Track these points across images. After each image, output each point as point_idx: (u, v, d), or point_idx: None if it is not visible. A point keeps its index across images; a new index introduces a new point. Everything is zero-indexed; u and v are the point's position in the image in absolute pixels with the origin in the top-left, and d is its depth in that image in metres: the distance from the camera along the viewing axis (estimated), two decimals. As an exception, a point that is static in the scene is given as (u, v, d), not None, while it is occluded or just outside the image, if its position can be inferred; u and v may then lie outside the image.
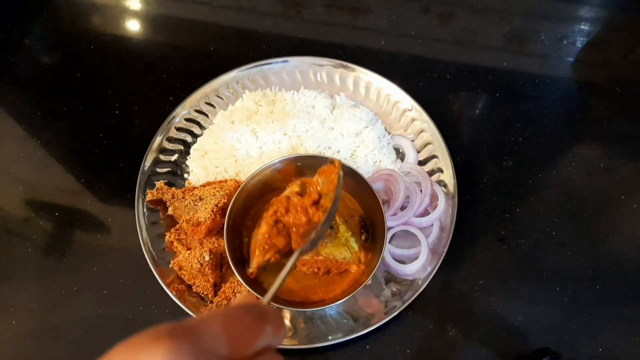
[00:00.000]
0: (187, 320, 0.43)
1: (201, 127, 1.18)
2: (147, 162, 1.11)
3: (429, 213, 1.05)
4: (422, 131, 1.14)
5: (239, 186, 0.98)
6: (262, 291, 0.90)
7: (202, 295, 0.97)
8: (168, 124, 1.15)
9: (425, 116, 1.15)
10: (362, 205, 1.00)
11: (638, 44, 1.35)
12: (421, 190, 1.06)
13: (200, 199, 1.01)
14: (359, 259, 0.94)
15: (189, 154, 1.14)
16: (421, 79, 1.27)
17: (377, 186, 1.05)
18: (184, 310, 0.94)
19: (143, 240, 1.01)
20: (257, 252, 0.87)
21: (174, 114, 1.16)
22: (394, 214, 1.05)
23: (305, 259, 0.91)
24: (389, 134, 1.16)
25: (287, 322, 0.96)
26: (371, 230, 0.98)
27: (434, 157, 1.12)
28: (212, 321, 0.43)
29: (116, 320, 0.98)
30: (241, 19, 1.42)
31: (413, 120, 1.16)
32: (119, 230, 1.08)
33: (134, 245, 1.02)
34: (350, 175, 0.97)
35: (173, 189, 1.06)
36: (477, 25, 1.38)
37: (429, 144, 1.13)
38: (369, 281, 0.90)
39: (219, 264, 0.99)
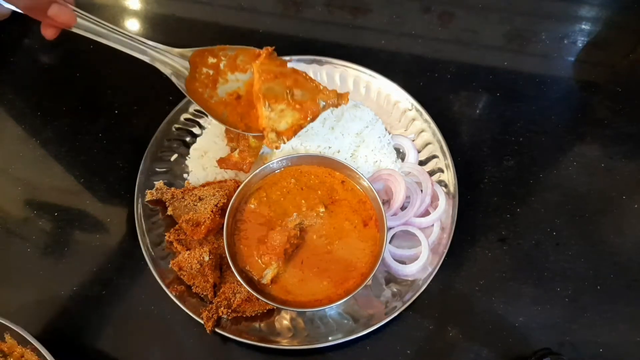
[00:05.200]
0: None
1: (201, 127, 1.17)
2: (147, 162, 1.10)
3: (430, 213, 1.04)
4: (422, 131, 1.14)
5: (238, 186, 0.98)
6: (269, 296, 0.90)
7: (202, 295, 0.97)
8: (168, 124, 1.15)
9: (425, 116, 1.14)
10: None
11: (639, 43, 1.35)
12: (422, 190, 1.06)
13: (200, 199, 1.00)
14: None
15: (188, 154, 1.14)
16: (421, 79, 1.27)
17: (377, 186, 1.05)
18: (183, 310, 0.94)
19: (142, 241, 1.01)
20: (273, 264, 0.90)
21: (173, 114, 1.16)
22: (394, 214, 1.04)
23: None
24: (390, 133, 1.16)
25: (287, 322, 0.96)
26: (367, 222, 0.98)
27: (434, 157, 1.11)
28: None
29: (115, 321, 0.98)
30: (241, 18, 1.41)
31: (413, 120, 1.16)
32: (118, 230, 1.08)
33: (133, 245, 1.02)
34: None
35: (172, 189, 1.06)
36: (478, 25, 1.38)
37: (429, 143, 1.13)
38: (369, 281, 0.90)
39: (218, 264, 0.99)
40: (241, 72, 0.97)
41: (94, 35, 0.87)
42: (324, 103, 0.95)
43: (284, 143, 0.97)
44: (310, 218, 0.97)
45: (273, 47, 0.97)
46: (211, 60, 0.94)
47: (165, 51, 0.92)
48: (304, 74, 0.97)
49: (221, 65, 0.95)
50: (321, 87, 0.96)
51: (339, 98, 0.96)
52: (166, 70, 0.91)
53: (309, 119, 0.95)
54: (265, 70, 0.94)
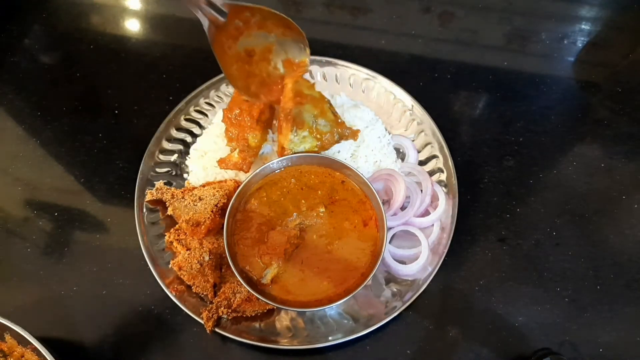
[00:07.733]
0: None
1: (201, 127, 1.17)
2: (147, 162, 1.10)
3: (430, 213, 1.04)
4: (422, 131, 1.14)
5: (238, 186, 0.98)
6: (269, 296, 0.90)
7: (202, 295, 0.97)
8: (168, 124, 1.15)
9: (425, 116, 1.14)
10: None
11: (639, 43, 1.35)
12: (421, 190, 1.06)
13: (200, 199, 1.00)
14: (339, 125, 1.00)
15: (188, 154, 1.14)
16: (421, 79, 1.27)
17: (377, 186, 1.05)
18: (183, 310, 0.94)
19: (142, 241, 1.01)
20: (273, 264, 0.91)
21: (173, 114, 1.16)
22: (394, 214, 1.04)
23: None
24: (390, 133, 1.16)
25: (287, 322, 0.96)
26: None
27: (434, 157, 1.12)
28: None
29: (115, 321, 0.98)
30: (241, 18, 1.41)
31: (413, 120, 1.16)
32: (118, 230, 1.08)
33: (133, 245, 1.02)
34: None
35: (172, 189, 1.06)
36: (478, 25, 1.38)
37: (429, 143, 1.13)
38: (369, 281, 0.90)
39: (218, 264, 0.99)
40: (266, 31, 0.98)
41: None
42: (338, 136, 1.00)
43: None
44: (311, 218, 0.97)
45: (309, 70, 1.01)
46: (247, 14, 0.96)
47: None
48: (328, 102, 1.00)
49: (253, 20, 0.96)
50: (340, 120, 1.00)
51: (351, 134, 1.01)
52: (204, 21, 0.92)
53: (324, 147, 1.00)
54: (299, 93, 0.96)
